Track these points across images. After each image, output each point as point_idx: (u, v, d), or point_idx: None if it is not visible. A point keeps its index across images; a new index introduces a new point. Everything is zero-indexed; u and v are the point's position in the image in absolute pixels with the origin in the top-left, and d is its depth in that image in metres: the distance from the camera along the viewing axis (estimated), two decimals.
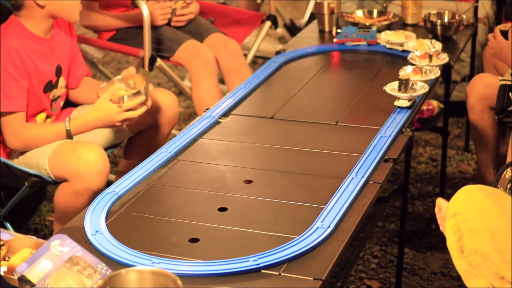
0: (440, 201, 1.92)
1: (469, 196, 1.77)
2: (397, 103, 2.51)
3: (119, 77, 2.65)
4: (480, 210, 1.72)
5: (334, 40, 3.17)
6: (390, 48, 3.10)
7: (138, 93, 2.54)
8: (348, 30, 3.15)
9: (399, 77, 2.54)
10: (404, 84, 2.51)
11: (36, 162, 2.53)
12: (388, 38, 3.14)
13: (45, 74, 2.58)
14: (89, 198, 2.42)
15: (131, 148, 2.92)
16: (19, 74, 2.48)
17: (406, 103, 2.50)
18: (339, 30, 3.19)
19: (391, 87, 2.55)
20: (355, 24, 3.34)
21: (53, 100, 2.66)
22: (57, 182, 2.54)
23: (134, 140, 2.91)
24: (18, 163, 2.56)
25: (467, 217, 1.73)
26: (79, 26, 3.49)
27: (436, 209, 1.94)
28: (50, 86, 2.62)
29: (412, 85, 2.55)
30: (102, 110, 2.52)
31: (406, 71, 2.65)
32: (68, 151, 2.49)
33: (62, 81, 2.67)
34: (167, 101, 2.82)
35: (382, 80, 2.87)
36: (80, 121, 2.56)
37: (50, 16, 2.55)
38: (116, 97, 2.53)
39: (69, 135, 2.55)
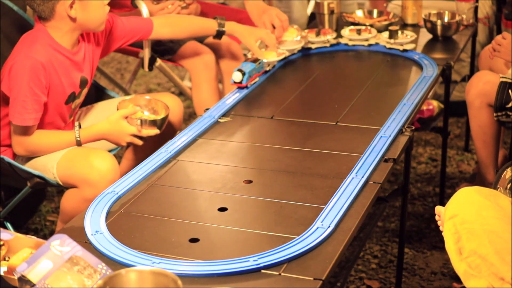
0: (439, 208, 1.92)
1: (466, 198, 1.77)
2: (405, 46, 3.07)
3: (147, 97, 2.64)
4: (478, 212, 1.73)
5: (243, 83, 2.71)
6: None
7: (154, 122, 2.52)
8: (250, 69, 2.75)
9: (389, 28, 3.10)
10: (395, 33, 3.09)
11: (44, 165, 2.51)
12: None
13: (68, 88, 2.55)
14: None
15: (133, 151, 2.92)
16: (40, 89, 2.44)
17: (412, 45, 3.08)
18: (238, 74, 2.71)
19: (385, 39, 3.10)
20: (354, 24, 3.34)
21: (73, 108, 2.66)
22: (60, 185, 2.53)
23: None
24: (23, 164, 2.56)
25: (464, 218, 1.73)
26: None
27: (437, 217, 1.94)
28: (72, 98, 2.59)
29: (401, 33, 3.12)
30: (115, 125, 2.50)
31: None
32: (79, 158, 2.47)
33: (84, 91, 2.65)
34: (172, 105, 2.79)
35: (382, 80, 2.88)
36: (91, 131, 2.53)
37: (79, 28, 2.51)
38: (133, 118, 2.51)
39: (79, 145, 2.53)
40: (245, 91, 2.71)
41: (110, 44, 2.74)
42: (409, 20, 3.45)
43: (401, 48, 3.09)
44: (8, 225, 2.63)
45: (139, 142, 2.55)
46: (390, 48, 3.10)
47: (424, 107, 3.38)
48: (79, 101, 2.66)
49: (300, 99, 2.72)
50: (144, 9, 3.16)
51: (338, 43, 3.18)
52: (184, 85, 3.69)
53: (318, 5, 3.37)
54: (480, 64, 3.28)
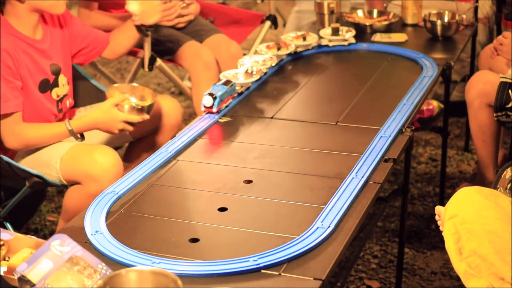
0: (439, 208, 1.92)
1: (466, 198, 1.77)
2: (349, 40, 3.18)
3: (135, 84, 2.70)
4: (478, 212, 1.72)
5: (214, 110, 2.51)
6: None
7: (143, 109, 2.59)
8: (221, 92, 2.53)
9: (331, 26, 3.19)
10: (336, 30, 3.18)
11: (46, 161, 2.52)
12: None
13: (37, 74, 2.56)
14: None
15: (131, 154, 2.92)
16: (12, 75, 2.46)
17: (353, 39, 3.19)
18: (209, 99, 2.50)
19: (326, 35, 3.17)
20: (354, 24, 3.34)
21: (59, 100, 2.66)
22: (57, 185, 2.54)
23: (135, 146, 2.91)
24: (24, 161, 2.56)
25: (464, 218, 1.73)
26: None
27: (437, 217, 1.94)
28: (47, 85, 2.59)
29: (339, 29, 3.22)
30: (107, 113, 2.53)
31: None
32: (83, 154, 2.49)
33: (62, 79, 2.65)
34: (170, 108, 2.81)
35: (382, 80, 2.88)
36: (83, 121, 2.56)
37: (33, 10, 2.51)
38: (123, 106, 2.57)
39: (73, 134, 2.54)
40: (245, 92, 2.71)
41: (73, 41, 2.74)
42: (409, 20, 3.45)
43: (346, 43, 3.15)
44: (8, 225, 2.63)
45: (130, 128, 2.59)
46: (334, 46, 3.16)
47: (424, 107, 3.39)
48: (60, 90, 2.66)
49: (300, 99, 2.72)
50: None
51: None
52: (184, 85, 3.69)
53: (318, 5, 3.38)
54: (480, 64, 3.28)
